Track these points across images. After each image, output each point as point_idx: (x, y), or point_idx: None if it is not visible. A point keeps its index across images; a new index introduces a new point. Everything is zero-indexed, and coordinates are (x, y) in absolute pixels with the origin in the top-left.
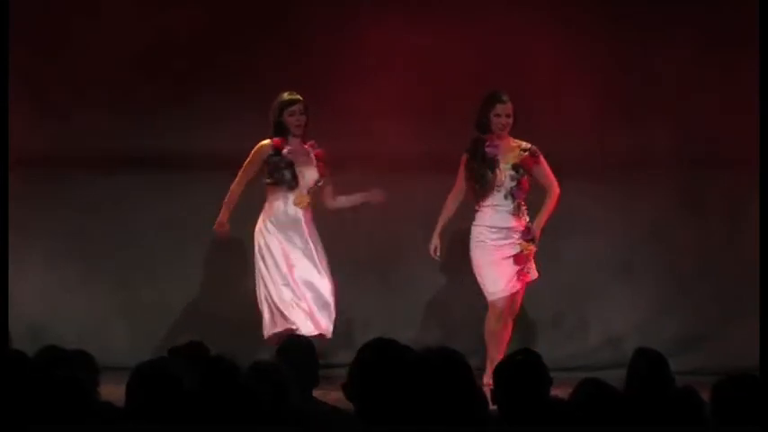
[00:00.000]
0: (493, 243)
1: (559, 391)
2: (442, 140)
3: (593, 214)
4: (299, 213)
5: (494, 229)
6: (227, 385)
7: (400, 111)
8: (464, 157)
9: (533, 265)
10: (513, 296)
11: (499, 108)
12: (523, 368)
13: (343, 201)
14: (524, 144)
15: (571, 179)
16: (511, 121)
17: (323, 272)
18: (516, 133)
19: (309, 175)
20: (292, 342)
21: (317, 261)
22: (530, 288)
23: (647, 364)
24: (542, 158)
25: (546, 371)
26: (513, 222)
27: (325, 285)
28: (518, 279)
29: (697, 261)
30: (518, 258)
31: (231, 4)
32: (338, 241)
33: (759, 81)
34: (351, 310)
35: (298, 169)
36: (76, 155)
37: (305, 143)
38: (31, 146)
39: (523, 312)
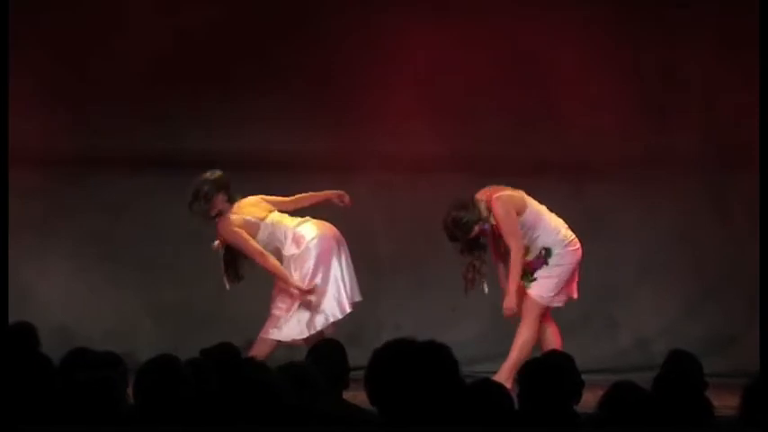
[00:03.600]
0: None
1: (588, 394)
2: (469, 141)
3: (619, 216)
4: None
5: None
6: (257, 387)
7: (427, 112)
8: None
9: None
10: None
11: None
12: (555, 371)
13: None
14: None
15: (598, 181)
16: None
17: None
18: (543, 137)
19: None
20: (323, 344)
21: None
22: None
23: (681, 366)
24: (499, 218)
25: (578, 374)
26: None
27: None
28: None
29: (724, 262)
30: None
31: (256, 6)
32: (367, 244)
33: (759, 82)
34: (381, 311)
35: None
36: (102, 156)
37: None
38: (57, 147)
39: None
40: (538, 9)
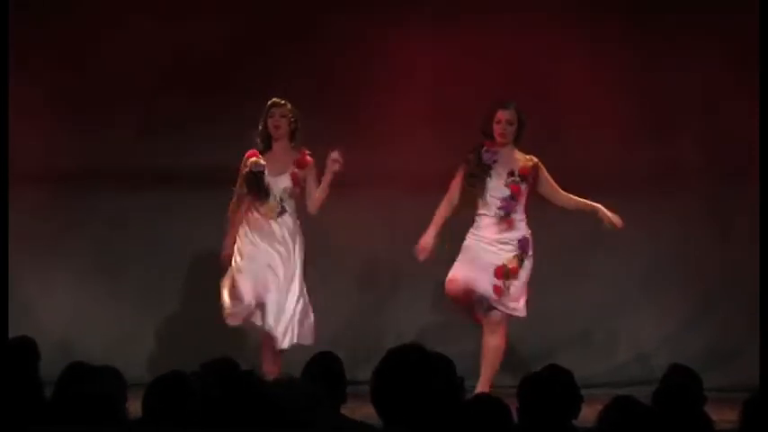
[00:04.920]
0: (482, 250)
1: (587, 409)
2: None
3: (619, 229)
4: (273, 225)
5: (485, 240)
6: (256, 401)
7: (428, 126)
8: (463, 163)
9: (519, 299)
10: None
11: (500, 114)
12: (554, 385)
13: (317, 195)
14: (529, 156)
15: (598, 193)
16: (512, 129)
17: (283, 287)
18: (544, 146)
19: (280, 182)
20: (320, 358)
21: (283, 274)
22: (557, 301)
23: (681, 380)
24: (545, 172)
25: (577, 389)
26: (503, 234)
27: (276, 300)
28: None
29: (724, 276)
30: (497, 271)
31: (260, 19)
32: (368, 257)
33: (759, 93)
34: (382, 325)
35: (270, 178)
36: (104, 171)
37: (298, 150)
38: (60, 162)
39: (550, 327)
40: (541, 23)
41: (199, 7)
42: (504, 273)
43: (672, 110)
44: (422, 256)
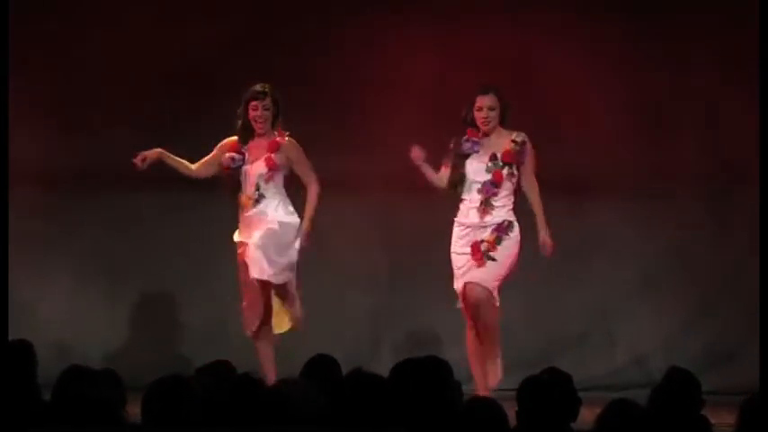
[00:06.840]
0: (459, 238)
1: (585, 411)
2: None
3: (619, 231)
4: (250, 216)
5: (461, 226)
6: (253, 403)
7: (428, 126)
8: (451, 144)
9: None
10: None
11: (479, 101)
12: (553, 389)
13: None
14: (516, 135)
15: (598, 196)
16: (494, 114)
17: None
18: (543, 145)
19: (256, 169)
20: (319, 360)
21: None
22: (556, 304)
23: (679, 383)
24: (531, 152)
25: (575, 391)
26: (478, 218)
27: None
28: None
29: (722, 279)
30: (473, 247)
31: (255, 22)
32: (365, 260)
33: (759, 92)
34: (380, 326)
35: (249, 166)
36: (103, 173)
37: (278, 136)
38: (58, 164)
39: (549, 330)
40: (540, 25)
41: (198, 7)
42: (481, 248)
43: (672, 110)
44: (416, 156)
